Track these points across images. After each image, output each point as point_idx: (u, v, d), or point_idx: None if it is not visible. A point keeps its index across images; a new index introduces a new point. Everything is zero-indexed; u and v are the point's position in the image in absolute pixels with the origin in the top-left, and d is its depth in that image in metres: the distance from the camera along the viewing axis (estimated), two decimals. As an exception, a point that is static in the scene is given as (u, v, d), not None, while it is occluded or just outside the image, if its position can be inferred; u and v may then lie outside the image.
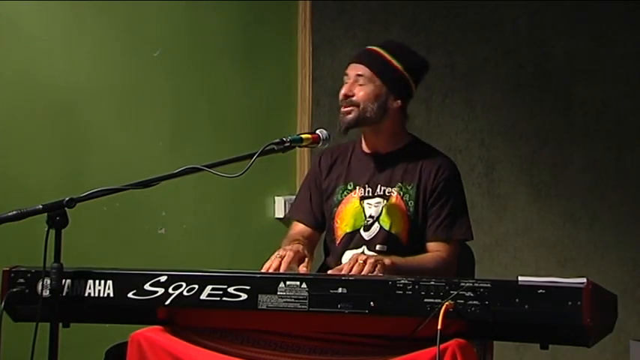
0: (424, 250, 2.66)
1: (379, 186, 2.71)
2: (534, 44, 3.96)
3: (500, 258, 3.90)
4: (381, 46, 2.78)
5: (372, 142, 2.78)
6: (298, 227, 2.80)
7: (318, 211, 2.80)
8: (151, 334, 2.24)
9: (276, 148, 2.42)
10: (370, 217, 2.69)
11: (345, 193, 2.75)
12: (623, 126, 3.88)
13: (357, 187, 2.74)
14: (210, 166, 2.32)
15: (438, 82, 3.99)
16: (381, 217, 2.68)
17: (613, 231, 3.85)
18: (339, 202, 2.74)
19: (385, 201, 2.69)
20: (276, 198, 3.88)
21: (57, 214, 2.10)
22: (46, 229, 2.10)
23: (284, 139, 2.45)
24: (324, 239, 2.84)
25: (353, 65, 2.74)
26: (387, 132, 2.75)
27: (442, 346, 1.99)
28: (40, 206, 2.10)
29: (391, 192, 2.69)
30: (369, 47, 2.80)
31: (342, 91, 2.71)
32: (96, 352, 2.87)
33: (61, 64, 3.57)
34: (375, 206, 2.69)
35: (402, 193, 2.68)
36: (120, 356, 2.34)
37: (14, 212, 2.09)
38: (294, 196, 3.09)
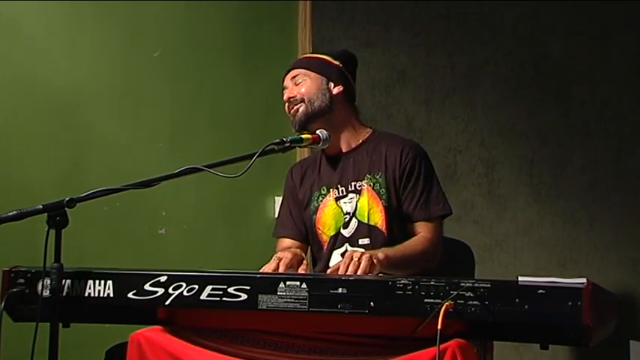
0: (404, 235, 2.67)
1: (350, 182, 2.73)
2: (534, 44, 3.96)
3: (500, 258, 3.89)
4: (309, 53, 2.97)
5: (335, 144, 2.80)
6: (285, 242, 2.83)
7: (300, 223, 2.82)
8: (151, 334, 2.24)
9: (276, 148, 2.42)
10: (347, 213, 2.70)
11: (320, 198, 2.77)
12: (623, 126, 3.87)
13: (331, 190, 2.76)
14: (210, 166, 2.32)
15: (438, 83, 3.99)
16: (357, 212, 2.70)
17: (613, 231, 3.85)
18: (317, 208, 2.76)
19: (358, 195, 2.70)
20: (276, 198, 3.88)
21: (57, 214, 2.10)
22: (46, 229, 2.10)
23: (284, 139, 2.45)
24: (310, 251, 2.85)
25: (286, 77, 2.85)
26: (341, 125, 2.79)
27: (442, 346, 1.99)
28: (40, 206, 2.10)
29: (362, 185, 2.72)
30: (297, 60, 2.96)
31: (285, 97, 2.80)
32: (96, 352, 2.87)
33: (61, 64, 3.57)
34: (350, 202, 2.71)
35: (372, 184, 2.70)
36: (120, 356, 2.34)
37: (14, 212, 2.09)
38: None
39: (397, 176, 2.71)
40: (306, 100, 2.74)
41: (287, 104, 2.79)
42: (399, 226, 2.69)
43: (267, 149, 2.40)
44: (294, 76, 2.80)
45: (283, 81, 2.85)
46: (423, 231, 2.68)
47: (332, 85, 2.79)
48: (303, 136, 2.56)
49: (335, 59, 2.84)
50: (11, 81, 3.48)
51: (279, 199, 3.84)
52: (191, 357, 2.20)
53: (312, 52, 2.91)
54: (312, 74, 2.79)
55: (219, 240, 3.83)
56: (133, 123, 3.70)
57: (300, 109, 2.74)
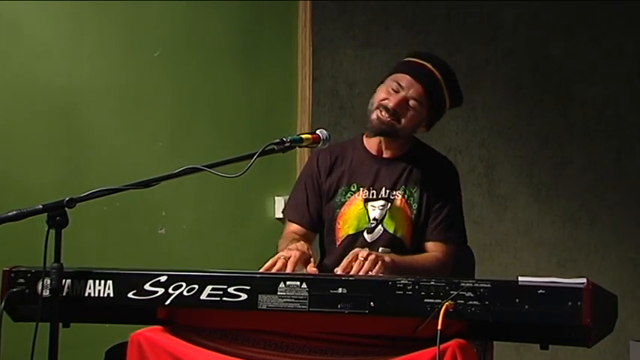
0: (424, 251, 2.67)
1: (384, 189, 2.71)
2: (534, 45, 3.96)
3: (501, 258, 3.90)
4: (438, 68, 2.71)
5: (380, 147, 2.78)
6: (293, 227, 2.80)
7: (314, 212, 2.79)
8: (150, 334, 2.24)
9: (276, 148, 2.42)
10: (374, 219, 2.68)
11: (348, 194, 2.74)
12: (623, 126, 3.88)
13: (361, 189, 2.73)
14: (210, 166, 2.32)
15: (438, 82, 3.99)
16: (385, 220, 2.68)
17: (613, 231, 3.85)
18: (342, 203, 2.74)
19: (389, 204, 2.69)
20: (276, 198, 3.88)
21: (57, 214, 2.10)
22: (46, 229, 2.10)
23: (284, 139, 2.45)
24: (320, 239, 2.83)
25: (411, 81, 2.67)
26: (398, 142, 2.76)
27: (442, 346, 1.99)
28: (40, 206, 2.10)
29: (395, 195, 2.70)
30: (428, 65, 2.71)
31: (392, 103, 2.65)
32: (96, 352, 2.87)
33: (62, 65, 3.57)
34: (380, 209, 2.69)
35: (406, 196, 2.69)
36: (120, 356, 2.34)
37: (14, 212, 2.09)
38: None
39: (431, 194, 2.70)
40: (400, 126, 2.66)
41: (386, 102, 2.65)
42: (422, 242, 2.70)
43: (267, 149, 2.40)
44: (417, 97, 2.66)
45: (401, 73, 2.68)
46: (436, 250, 2.67)
47: (424, 125, 2.75)
48: (303, 136, 2.55)
49: (450, 106, 2.77)
50: (11, 81, 3.48)
51: (279, 199, 3.86)
52: (191, 357, 2.20)
53: (449, 79, 2.71)
54: (426, 111, 2.69)
55: (219, 240, 3.83)
56: (133, 123, 3.70)
57: (388, 127, 2.65)
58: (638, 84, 3.87)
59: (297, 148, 2.61)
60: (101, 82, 3.64)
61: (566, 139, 3.92)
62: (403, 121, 2.67)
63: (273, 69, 3.96)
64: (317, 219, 2.79)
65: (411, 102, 2.66)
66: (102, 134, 3.62)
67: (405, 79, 2.68)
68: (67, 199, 2.11)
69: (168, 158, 3.68)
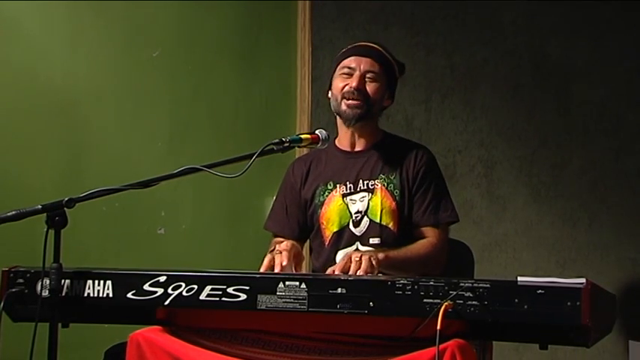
0: (415, 237, 2.68)
1: (362, 181, 2.73)
2: (533, 45, 3.96)
3: (500, 258, 3.90)
4: (374, 43, 2.81)
5: (353, 140, 2.80)
6: (278, 240, 2.81)
7: (294, 222, 2.81)
8: (150, 334, 2.24)
9: (275, 148, 2.42)
10: (358, 212, 2.70)
11: (326, 193, 2.76)
12: (623, 126, 3.88)
13: (338, 185, 2.75)
14: (209, 167, 2.32)
15: (437, 83, 3.99)
16: (369, 211, 2.70)
17: (612, 231, 3.85)
18: (322, 203, 2.75)
19: (370, 194, 2.70)
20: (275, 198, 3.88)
21: (56, 215, 2.10)
22: (46, 229, 2.10)
23: (283, 139, 2.45)
24: (309, 244, 2.84)
25: (359, 59, 2.74)
26: (370, 129, 2.79)
27: (441, 346, 1.99)
28: (40, 206, 2.10)
29: (375, 184, 2.72)
30: (369, 44, 2.80)
31: (354, 84, 2.69)
32: (95, 352, 2.87)
33: (61, 64, 3.57)
34: (361, 201, 2.71)
35: (386, 184, 2.71)
36: (119, 356, 2.34)
37: (14, 212, 2.09)
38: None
39: (410, 178, 2.72)
40: (369, 102, 2.71)
41: (348, 87, 2.70)
42: (409, 226, 2.70)
43: (267, 149, 2.40)
44: (371, 69, 2.72)
45: (349, 57, 2.75)
46: (429, 236, 2.69)
47: (387, 96, 2.78)
48: (302, 136, 2.56)
49: (399, 71, 2.82)
50: (11, 81, 3.48)
51: (278, 200, 3.86)
52: (190, 357, 2.20)
53: (387, 49, 2.79)
54: (385, 79, 2.74)
55: (218, 240, 3.83)
56: (132, 123, 3.70)
57: (361, 109, 2.70)
58: (638, 84, 3.87)
59: (297, 148, 2.61)
60: (100, 82, 3.64)
61: (565, 139, 3.91)
62: (370, 95, 2.71)
63: (272, 69, 3.96)
64: (298, 229, 2.81)
65: (368, 75, 2.72)
66: (101, 134, 3.63)
67: (352, 61, 2.74)
68: (66, 199, 2.11)
69: (168, 158, 3.69)
